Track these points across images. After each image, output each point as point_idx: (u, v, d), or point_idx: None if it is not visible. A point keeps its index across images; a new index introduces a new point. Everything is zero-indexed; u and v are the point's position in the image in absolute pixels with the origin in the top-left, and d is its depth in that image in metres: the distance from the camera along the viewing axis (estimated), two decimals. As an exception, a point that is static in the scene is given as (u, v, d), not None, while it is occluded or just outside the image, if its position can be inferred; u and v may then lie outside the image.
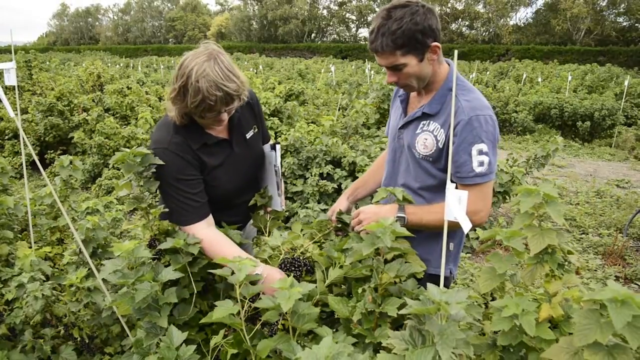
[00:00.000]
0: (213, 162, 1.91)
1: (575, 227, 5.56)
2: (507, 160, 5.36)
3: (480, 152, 1.65)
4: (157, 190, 1.84)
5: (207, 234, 1.84)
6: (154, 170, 1.81)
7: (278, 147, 2.13)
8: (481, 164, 1.66)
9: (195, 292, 2.04)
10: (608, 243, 4.97)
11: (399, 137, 1.96)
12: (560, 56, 36.75)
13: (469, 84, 1.81)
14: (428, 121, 1.82)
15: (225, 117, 1.80)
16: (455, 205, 1.24)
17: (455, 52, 1.33)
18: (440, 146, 1.77)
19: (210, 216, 1.92)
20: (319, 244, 2.08)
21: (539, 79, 17.47)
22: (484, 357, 1.45)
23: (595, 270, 4.47)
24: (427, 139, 1.80)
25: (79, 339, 2.10)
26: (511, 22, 56.52)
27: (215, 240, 1.84)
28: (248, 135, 2.06)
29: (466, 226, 1.27)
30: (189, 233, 1.83)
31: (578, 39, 47.10)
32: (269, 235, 2.18)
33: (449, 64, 1.86)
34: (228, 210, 2.10)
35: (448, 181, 1.28)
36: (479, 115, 1.67)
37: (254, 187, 2.18)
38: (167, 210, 1.85)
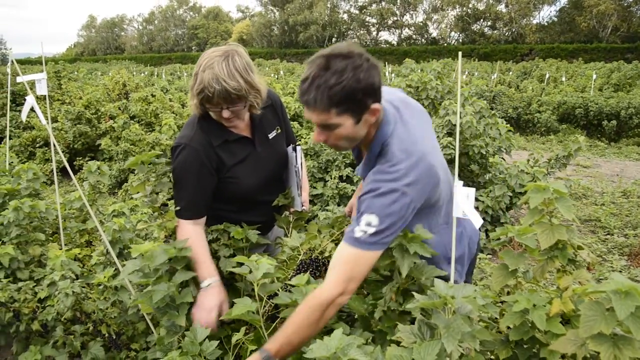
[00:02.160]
0: (233, 160, 1.99)
1: (600, 228, 5.47)
2: (528, 160, 5.32)
3: (368, 224, 1.49)
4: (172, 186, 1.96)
5: (190, 231, 1.93)
6: (172, 164, 1.94)
7: (299, 148, 2.19)
8: (364, 232, 1.48)
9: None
10: (634, 244, 4.88)
11: None
12: (585, 54, 35.98)
13: (400, 137, 1.58)
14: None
15: (227, 114, 1.86)
16: (464, 202, 1.28)
17: (460, 54, 1.36)
18: None
19: (204, 218, 2.01)
20: (336, 242, 2.13)
21: (563, 78, 17.17)
22: (497, 352, 1.48)
23: (620, 272, 4.39)
24: None
25: (106, 335, 2.19)
26: (534, 21, 55.66)
27: (191, 240, 1.89)
28: (271, 136, 2.13)
29: (477, 221, 1.30)
30: (179, 226, 1.94)
31: (604, 36, 46.05)
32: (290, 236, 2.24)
33: (383, 109, 1.62)
34: (251, 210, 2.16)
35: (456, 179, 1.31)
36: (379, 187, 1.51)
37: (278, 188, 2.23)
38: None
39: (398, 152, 1.53)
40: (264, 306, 1.80)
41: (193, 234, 1.93)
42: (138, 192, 1.89)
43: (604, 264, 4.52)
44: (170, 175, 1.97)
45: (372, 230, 1.47)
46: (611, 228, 5.43)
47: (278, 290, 1.81)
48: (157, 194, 1.93)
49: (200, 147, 1.91)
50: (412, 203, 1.50)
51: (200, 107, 1.91)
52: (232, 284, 2.14)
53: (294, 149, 2.19)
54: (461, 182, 1.31)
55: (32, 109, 2.64)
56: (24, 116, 2.53)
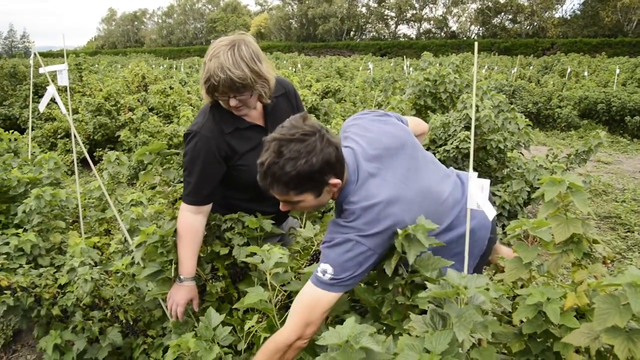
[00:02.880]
0: (245, 147, 2.02)
1: (620, 225, 5.37)
2: (547, 155, 5.24)
3: (324, 272, 1.54)
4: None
5: (188, 220, 1.99)
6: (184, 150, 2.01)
7: None
8: (324, 272, 1.54)
9: (229, 279, 2.15)
10: (655, 241, 4.79)
11: None
12: (609, 49, 35.16)
13: (360, 196, 1.58)
14: None
15: (234, 103, 1.89)
16: (478, 193, 1.27)
17: (476, 44, 1.35)
18: None
19: (208, 206, 2.04)
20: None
21: (585, 73, 16.83)
22: (509, 345, 1.48)
23: (641, 269, 4.31)
24: None
25: (124, 321, 2.24)
26: (557, 15, 54.64)
27: (185, 232, 1.98)
28: None
29: (490, 213, 1.30)
30: (181, 209, 2.01)
31: (630, 30, 44.94)
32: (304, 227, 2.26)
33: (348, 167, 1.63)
34: (264, 199, 2.16)
35: (470, 170, 1.31)
36: (334, 238, 1.56)
37: None
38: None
39: (357, 209, 1.55)
40: (277, 295, 1.82)
41: (190, 224, 1.99)
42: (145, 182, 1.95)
43: (623, 261, 4.45)
44: (175, 163, 2.04)
45: (329, 276, 1.53)
46: (632, 225, 5.33)
47: (291, 279, 1.84)
48: (167, 184, 1.98)
49: (210, 135, 1.94)
50: (369, 251, 1.53)
51: (210, 96, 1.94)
52: (246, 273, 2.17)
53: None
54: (476, 173, 1.30)
55: (53, 100, 2.69)
56: (42, 107, 2.59)
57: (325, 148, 1.48)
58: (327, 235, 1.60)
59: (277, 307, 1.87)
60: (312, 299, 1.57)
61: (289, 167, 1.45)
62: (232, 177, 2.05)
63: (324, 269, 1.54)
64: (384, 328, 1.64)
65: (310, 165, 1.45)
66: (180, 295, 1.98)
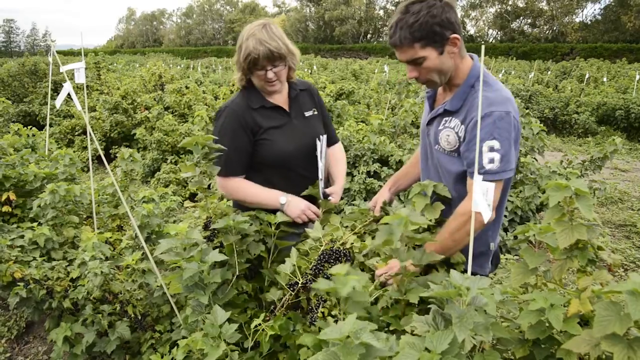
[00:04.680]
0: (270, 123, 2.22)
1: (635, 234, 5.29)
2: (562, 161, 5.19)
3: (491, 149, 1.63)
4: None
5: (234, 182, 2.20)
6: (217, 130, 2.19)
7: (323, 137, 2.23)
8: (491, 161, 1.64)
9: (242, 275, 2.16)
10: (671, 251, 4.71)
11: (427, 133, 1.98)
12: (631, 54, 34.60)
13: (492, 78, 1.79)
14: (450, 118, 1.83)
15: (271, 75, 2.12)
16: (481, 197, 1.27)
17: (483, 47, 1.35)
18: (462, 142, 1.78)
19: (242, 177, 2.23)
20: (359, 235, 2.15)
21: (605, 79, 16.58)
22: (514, 350, 1.47)
23: (655, 279, 4.23)
24: (449, 135, 1.81)
25: (132, 316, 2.27)
26: (577, 20, 53.91)
27: (245, 185, 2.20)
28: (307, 114, 2.35)
29: (486, 216, 1.30)
30: (222, 184, 2.19)
31: (652, 36, 44.16)
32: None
33: (473, 58, 1.87)
34: (285, 184, 2.22)
35: (475, 173, 1.31)
36: (493, 111, 1.66)
37: (313, 166, 2.26)
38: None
39: (496, 82, 1.75)
40: (285, 294, 1.84)
41: (237, 182, 2.18)
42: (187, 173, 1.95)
43: (637, 270, 4.38)
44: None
45: (497, 156, 1.63)
46: (647, 234, 5.25)
47: (299, 279, 1.85)
48: (204, 174, 1.96)
49: (237, 109, 2.18)
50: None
51: (247, 73, 2.17)
52: (258, 271, 2.19)
53: (319, 139, 2.22)
54: (481, 177, 1.30)
55: (70, 97, 2.75)
56: (58, 103, 2.64)
57: (445, 7, 1.70)
58: (484, 110, 1.65)
59: (285, 306, 1.89)
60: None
61: (413, 19, 1.68)
62: (256, 154, 2.21)
63: (491, 146, 1.63)
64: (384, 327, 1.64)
65: (431, 17, 1.67)
66: (298, 204, 2.14)
